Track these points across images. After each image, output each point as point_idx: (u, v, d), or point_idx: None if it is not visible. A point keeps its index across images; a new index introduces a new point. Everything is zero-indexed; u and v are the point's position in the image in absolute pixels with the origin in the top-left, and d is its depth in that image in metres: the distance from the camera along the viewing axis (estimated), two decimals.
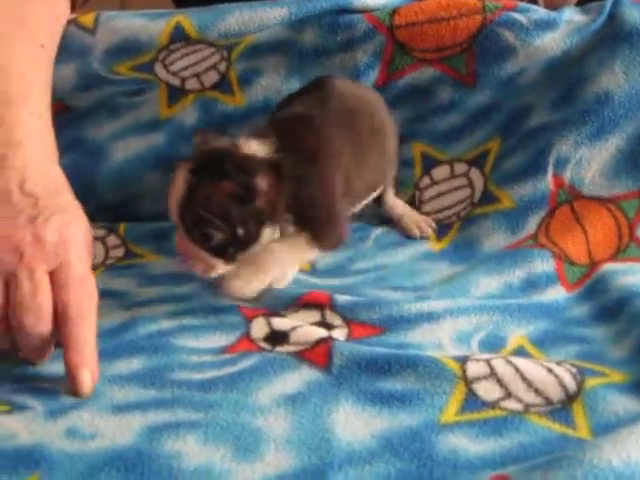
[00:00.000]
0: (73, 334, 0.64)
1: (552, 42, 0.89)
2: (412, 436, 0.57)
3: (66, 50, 0.93)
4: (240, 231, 0.70)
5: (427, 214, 0.92)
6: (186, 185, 0.70)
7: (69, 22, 0.94)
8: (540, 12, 0.91)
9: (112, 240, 0.92)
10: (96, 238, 0.91)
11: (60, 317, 0.64)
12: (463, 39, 0.90)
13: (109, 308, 0.77)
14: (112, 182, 0.97)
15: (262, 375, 0.65)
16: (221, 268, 0.73)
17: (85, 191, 0.96)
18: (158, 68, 0.93)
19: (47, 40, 0.86)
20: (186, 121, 0.96)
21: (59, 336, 0.65)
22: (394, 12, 0.90)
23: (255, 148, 0.72)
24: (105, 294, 0.78)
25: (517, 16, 0.90)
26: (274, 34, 0.92)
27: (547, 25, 0.90)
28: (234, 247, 0.71)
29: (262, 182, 0.70)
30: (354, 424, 0.59)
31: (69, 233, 0.67)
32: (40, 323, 0.64)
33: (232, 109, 0.94)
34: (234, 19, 0.90)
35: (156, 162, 0.96)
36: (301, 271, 0.84)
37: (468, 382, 0.62)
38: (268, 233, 0.73)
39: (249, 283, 0.74)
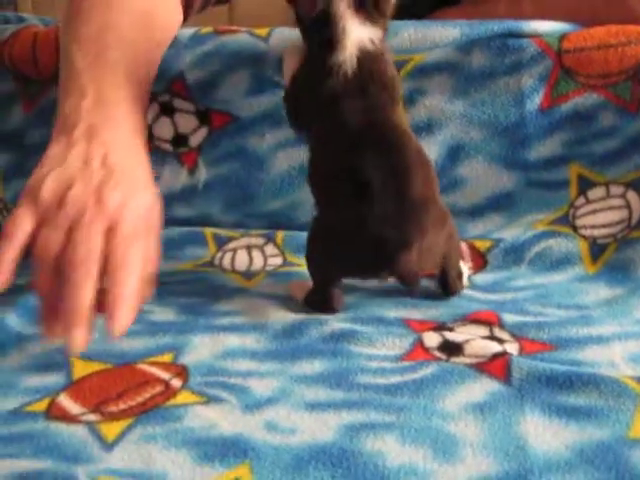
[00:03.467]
0: (114, 279, 0.68)
1: None
2: (604, 449, 0.58)
3: (239, 56, 0.98)
4: None
5: (582, 228, 0.91)
6: None
7: (241, 32, 0.99)
8: None
9: (270, 249, 0.96)
10: (255, 246, 0.96)
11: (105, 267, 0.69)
12: (630, 66, 0.90)
13: (278, 309, 0.82)
14: (271, 191, 0.99)
15: (445, 383, 0.67)
16: None
17: (245, 199, 1.01)
18: None
19: None
20: None
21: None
22: (563, 37, 0.92)
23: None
24: (272, 297, 0.82)
25: None
26: (442, 54, 0.94)
27: None
28: None
29: None
30: (545, 434, 0.60)
31: (131, 201, 0.72)
32: (87, 263, 0.67)
33: None
34: (407, 35, 0.93)
35: None
36: None
37: None
38: None
39: None
